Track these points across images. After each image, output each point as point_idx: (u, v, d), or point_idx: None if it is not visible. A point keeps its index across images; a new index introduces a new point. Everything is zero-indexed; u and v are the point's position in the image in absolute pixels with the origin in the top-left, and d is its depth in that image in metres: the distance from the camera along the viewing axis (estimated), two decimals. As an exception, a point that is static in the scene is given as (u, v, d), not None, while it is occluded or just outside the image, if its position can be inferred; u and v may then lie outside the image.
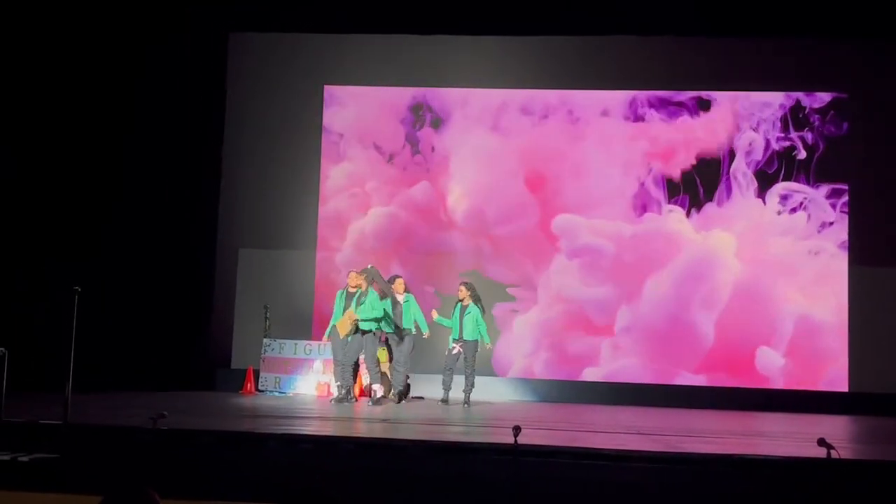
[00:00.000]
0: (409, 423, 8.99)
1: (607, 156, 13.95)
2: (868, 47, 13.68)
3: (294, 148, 14.34)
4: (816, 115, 13.72)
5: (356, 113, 14.37)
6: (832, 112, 13.71)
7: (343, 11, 13.72)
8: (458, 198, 14.08)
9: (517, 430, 6.27)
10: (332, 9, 13.72)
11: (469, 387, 11.66)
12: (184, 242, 13.78)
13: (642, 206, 13.82)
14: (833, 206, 13.57)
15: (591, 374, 13.61)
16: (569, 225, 13.86)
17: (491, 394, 13.16)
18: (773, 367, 13.39)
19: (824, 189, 13.63)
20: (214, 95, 14.30)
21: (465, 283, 11.94)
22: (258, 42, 14.52)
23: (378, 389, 11.56)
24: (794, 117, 13.74)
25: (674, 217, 13.74)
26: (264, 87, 14.40)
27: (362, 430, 7.94)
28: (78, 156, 13.09)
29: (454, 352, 11.70)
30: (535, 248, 13.91)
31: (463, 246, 13.97)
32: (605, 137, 13.97)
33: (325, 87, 14.42)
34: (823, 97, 13.75)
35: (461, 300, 11.82)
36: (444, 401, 11.57)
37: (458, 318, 11.78)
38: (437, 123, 14.25)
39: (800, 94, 13.77)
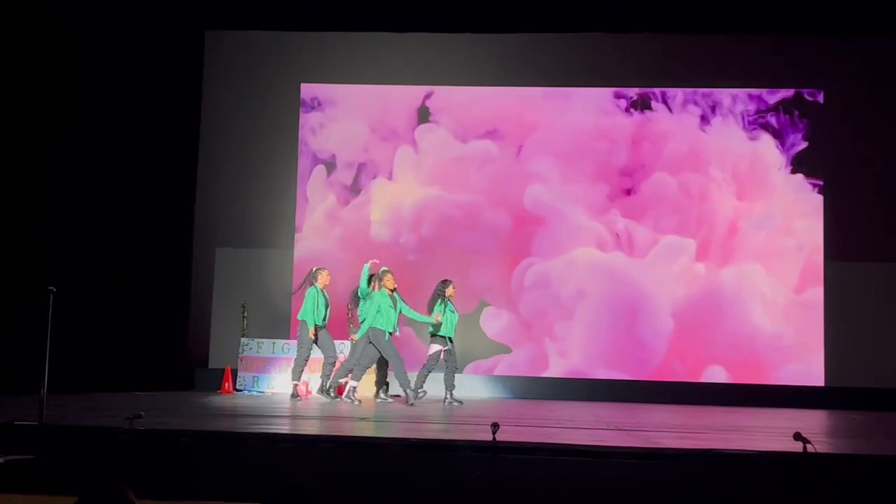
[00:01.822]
0: (388, 421, 8.98)
1: (580, 155, 14.01)
2: (844, 43, 13.78)
3: (271, 145, 14.32)
4: (791, 112, 13.80)
5: (334, 111, 14.36)
6: (807, 108, 13.81)
7: (320, 8, 13.70)
8: (436, 198, 14.09)
9: (495, 426, 6.26)
10: (309, 6, 13.70)
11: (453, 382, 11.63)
12: (160, 242, 13.74)
13: (614, 204, 13.89)
14: (809, 202, 13.67)
15: (565, 371, 13.66)
16: (542, 214, 13.92)
17: (464, 391, 13.19)
18: (747, 362, 13.49)
19: (800, 185, 13.72)
20: (191, 93, 14.26)
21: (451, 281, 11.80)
22: (235, 40, 14.49)
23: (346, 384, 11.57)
24: (768, 113, 13.82)
25: (647, 214, 13.82)
26: (241, 84, 14.38)
27: (341, 429, 7.92)
28: (54, 154, 12.99)
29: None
30: (509, 247, 13.94)
31: (441, 246, 13.98)
32: (576, 136, 14.03)
33: (303, 84, 14.40)
34: (797, 93, 13.84)
35: (449, 297, 11.59)
36: (459, 401, 11.44)
37: (450, 315, 11.57)
38: (426, 115, 14.26)
39: (774, 91, 13.86)
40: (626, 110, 13.99)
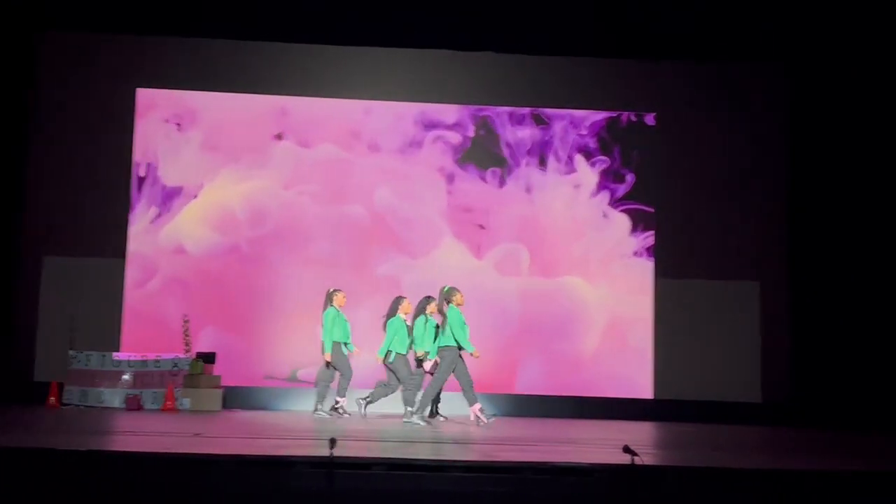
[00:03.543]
0: (223, 437, 8.80)
1: (425, 168, 14.14)
2: (677, 69, 14.33)
3: (104, 152, 13.89)
4: (622, 134, 14.26)
5: (171, 117, 14.05)
6: (638, 131, 14.30)
7: (157, 13, 13.41)
8: (280, 203, 13.96)
9: (333, 442, 6.22)
10: (146, 10, 13.39)
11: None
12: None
13: (454, 213, 14.06)
14: (640, 219, 14.13)
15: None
16: (388, 219, 13.96)
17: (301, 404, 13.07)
18: (580, 374, 13.83)
19: (633, 204, 14.18)
20: (21, 96, 13.69)
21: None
22: (68, 42, 14.00)
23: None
24: (599, 136, 14.24)
25: (486, 225, 14.04)
26: (74, 88, 13.89)
27: (171, 446, 7.70)
28: None
29: None
30: (364, 259, 13.92)
31: (282, 251, 13.86)
32: (422, 149, 14.16)
33: (139, 90, 14.01)
34: (629, 116, 14.32)
35: (457, 304, 11.06)
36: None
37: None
38: (270, 123, 14.09)
39: (607, 112, 14.30)
40: (472, 129, 14.19)
